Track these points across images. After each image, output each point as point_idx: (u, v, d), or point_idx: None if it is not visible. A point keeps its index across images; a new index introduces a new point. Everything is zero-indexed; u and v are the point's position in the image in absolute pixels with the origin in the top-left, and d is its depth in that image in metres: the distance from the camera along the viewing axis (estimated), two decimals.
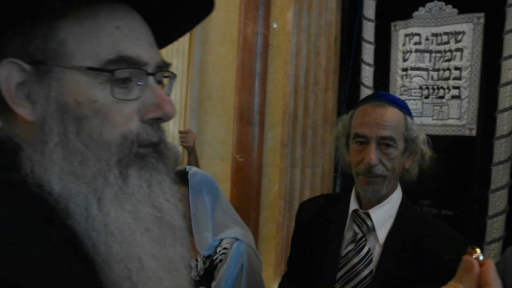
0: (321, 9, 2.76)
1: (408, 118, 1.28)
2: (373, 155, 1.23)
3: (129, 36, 0.59)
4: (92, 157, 0.56)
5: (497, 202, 2.23)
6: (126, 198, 0.58)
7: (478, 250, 0.56)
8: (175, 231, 0.64)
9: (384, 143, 1.25)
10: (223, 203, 1.85)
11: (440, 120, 2.42)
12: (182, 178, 1.80)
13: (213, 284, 1.67)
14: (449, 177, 2.35)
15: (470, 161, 2.30)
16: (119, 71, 0.57)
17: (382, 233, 1.27)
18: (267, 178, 3.04)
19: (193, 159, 2.50)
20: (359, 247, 1.29)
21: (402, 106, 1.29)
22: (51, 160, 0.55)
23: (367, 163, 1.24)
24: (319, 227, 1.39)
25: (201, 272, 1.72)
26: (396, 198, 1.31)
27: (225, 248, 1.71)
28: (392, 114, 1.26)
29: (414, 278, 1.17)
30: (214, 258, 1.71)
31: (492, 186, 2.23)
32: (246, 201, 2.98)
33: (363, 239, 1.29)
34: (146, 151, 0.61)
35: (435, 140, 2.40)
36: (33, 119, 0.56)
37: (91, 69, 0.56)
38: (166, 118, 0.62)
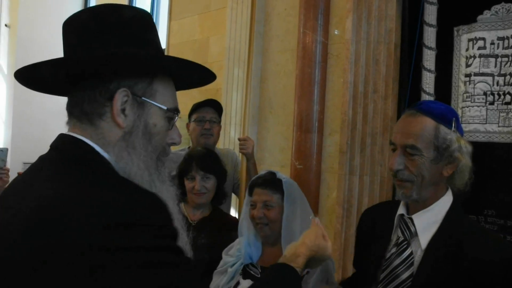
0: (380, 17, 2.75)
1: (442, 127, 1.29)
2: (394, 161, 1.32)
3: (175, 96, 1.04)
4: (150, 153, 0.96)
5: None
6: (161, 176, 0.99)
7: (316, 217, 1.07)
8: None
9: (408, 151, 1.30)
10: (306, 210, 1.90)
11: (507, 127, 2.32)
12: (274, 184, 1.87)
13: None
14: None
15: None
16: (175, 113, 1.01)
17: (424, 238, 1.29)
18: (325, 184, 3.06)
19: (252, 166, 2.57)
20: (400, 250, 1.32)
21: (436, 115, 1.30)
22: (133, 149, 0.93)
23: (389, 167, 1.34)
24: (376, 231, 1.43)
25: None
26: (442, 205, 1.32)
27: None
28: (418, 123, 1.30)
29: (455, 284, 1.17)
30: None
31: None
32: None
33: (405, 242, 1.32)
34: (164, 157, 1.02)
35: (501, 148, 2.32)
36: (124, 126, 0.94)
37: (169, 110, 0.99)
38: (177, 143, 1.04)
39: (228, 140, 3.60)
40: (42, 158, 0.95)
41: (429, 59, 2.62)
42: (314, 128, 3.09)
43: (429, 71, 2.62)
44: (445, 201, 1.33)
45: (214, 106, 2.75)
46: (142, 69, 0.96)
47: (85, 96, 0.93)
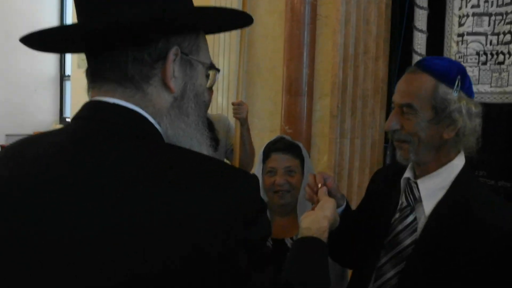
0: None
1: (443, 86, 1.22)
2: (390, 120, 1.27)
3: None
4: (200, 118, 0.88)
5: None
6: (208, 143, 0.89)
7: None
8: None
9: (404, 110, 1.26)
10: None
11: (499, 87, 2.30)
12: (295, 150, 1.84)
13: None
14: (508, 147, 2.25)
15: None
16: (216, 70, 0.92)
17: (429, 204, 1.25)
18: (316, 149, 3.04)
19: (245, 131, 2.52)
20: (402, 216, 1.29)
21: (437, 73, 1.23)
22: (187, 117, 0.85)
23: (385, 127, 1.30)
24: (384, 193, 1.40)
25: None
26: (450, 170, 1.26)
27: None
28: (417, 81, 1.25)
29: (460, 251, 1.15)
30: None
31: None
32: None
33: (408, 208, 1.29)
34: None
35: (493, 109, 2.32)
36: (175, 90, 0.83)
37: (212, 66, 0.89)
38: (208, 102, 0.98)
39: (216, 106, 3.54)
40: (77, 140, 0.76)
41: (420, 19, 2.56)
42: (303, 91, 3.04)
43: (421, 31, 2.57)
44: (455, 166, 1.26)
45: None
46: (193, 24, 0.85)
47: (129, 57, 0.79)
